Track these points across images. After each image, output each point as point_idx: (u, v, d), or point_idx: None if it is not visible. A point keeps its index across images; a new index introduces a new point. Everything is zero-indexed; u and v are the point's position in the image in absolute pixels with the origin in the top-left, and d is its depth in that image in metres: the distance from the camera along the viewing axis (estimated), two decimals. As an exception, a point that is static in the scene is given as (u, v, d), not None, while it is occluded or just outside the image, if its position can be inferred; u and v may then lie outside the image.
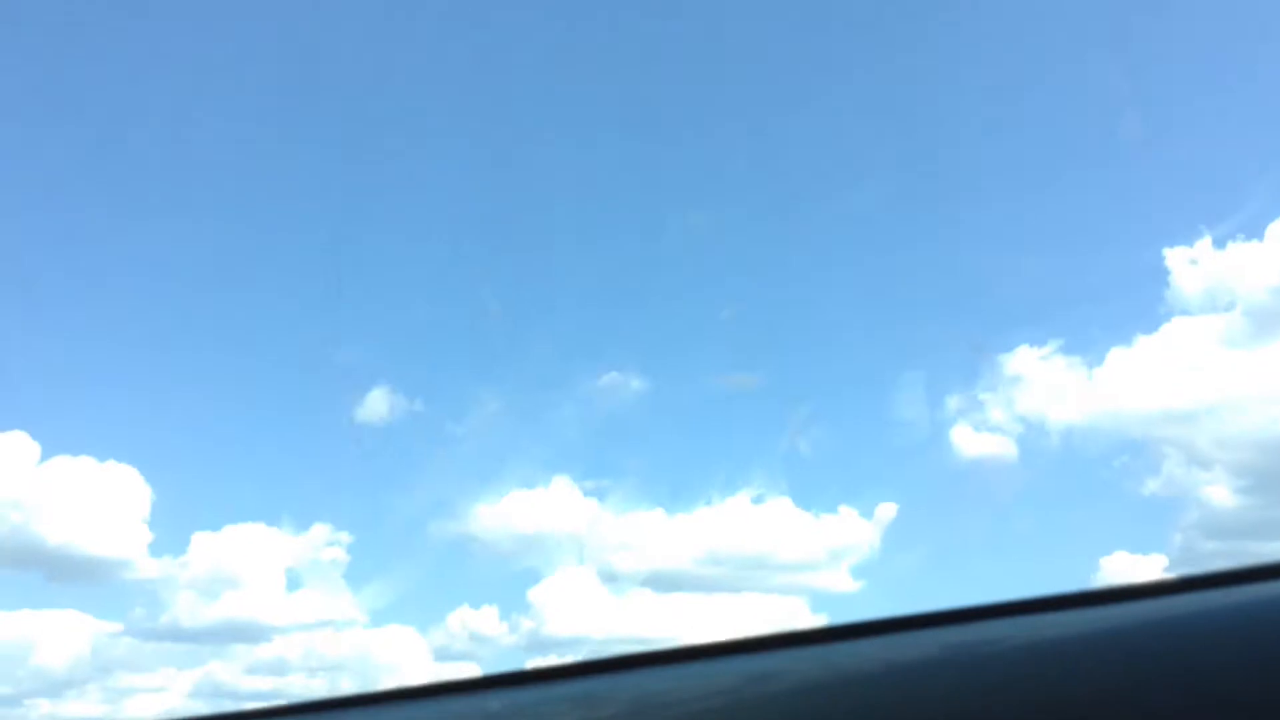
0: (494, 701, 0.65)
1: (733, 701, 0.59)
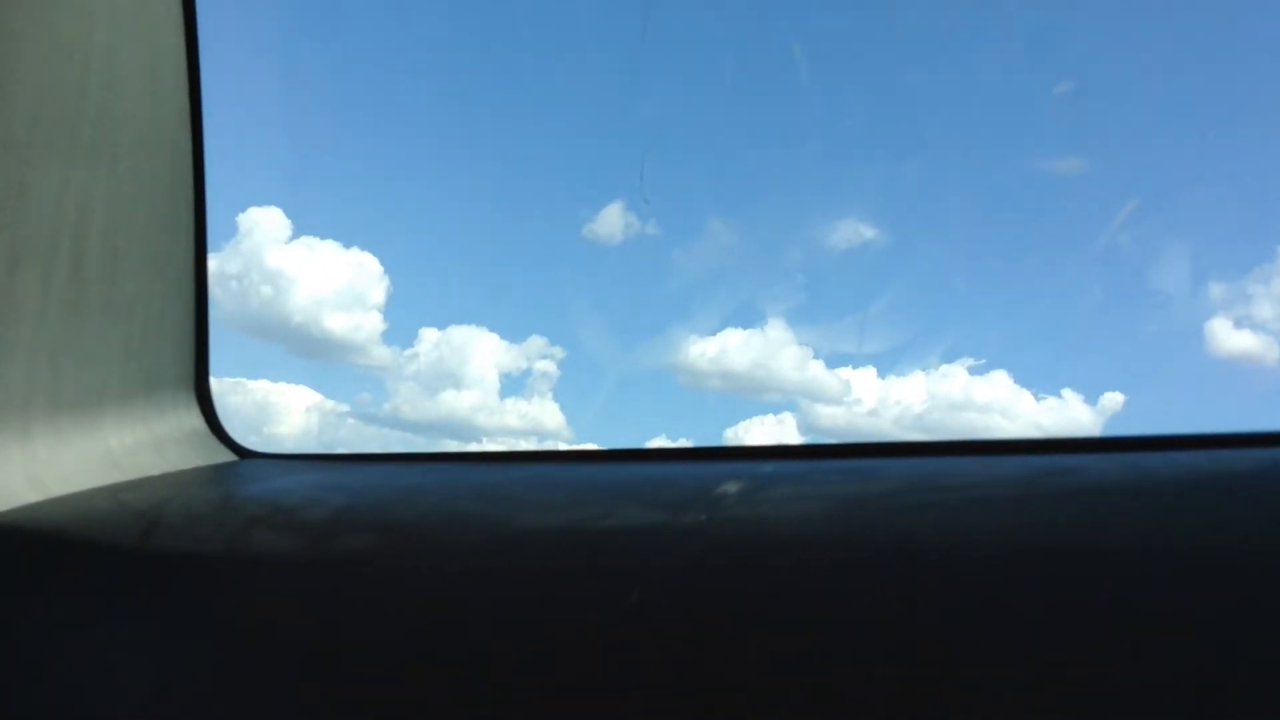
0: (766, 467, 0.66)
1: (1025, 492, 0.57)
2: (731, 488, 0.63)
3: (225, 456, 1.02)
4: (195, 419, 1.03)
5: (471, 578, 0.63)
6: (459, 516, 0.70)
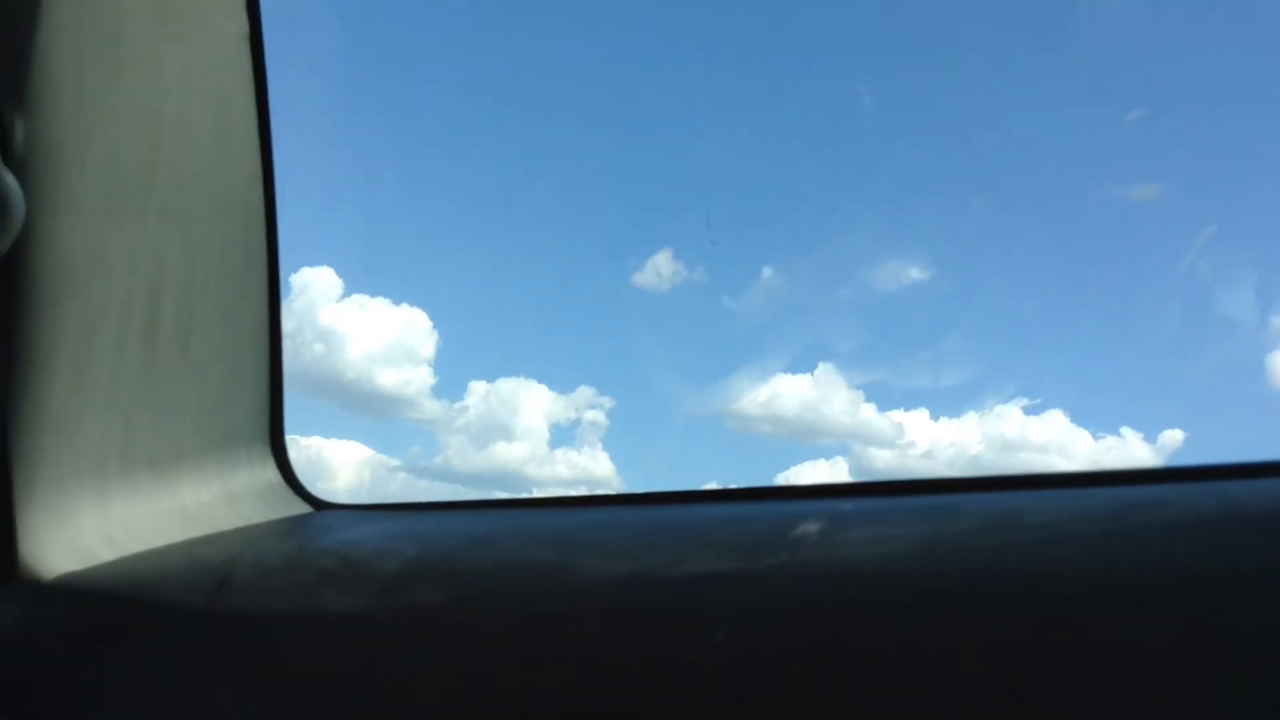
0: (846, 504, 0.65)
1: (1112, 526, 0.55)
2: (810, 527, 0.62)
3: (301, 508, 1.03)
4: (271, 472, 1.04)
5: (547, 626, 0.63)
6: (532, 564, 0.69)
